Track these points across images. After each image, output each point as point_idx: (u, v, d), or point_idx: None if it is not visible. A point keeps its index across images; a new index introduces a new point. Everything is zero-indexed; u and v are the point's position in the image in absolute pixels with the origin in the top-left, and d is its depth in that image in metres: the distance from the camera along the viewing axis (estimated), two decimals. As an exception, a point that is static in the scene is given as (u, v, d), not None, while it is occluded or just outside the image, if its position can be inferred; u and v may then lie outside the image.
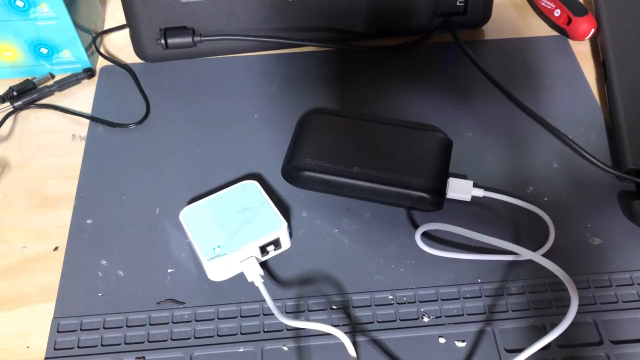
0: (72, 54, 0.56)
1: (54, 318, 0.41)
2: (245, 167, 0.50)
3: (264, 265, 0.43)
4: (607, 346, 0.40)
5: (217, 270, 0.42)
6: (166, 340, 0.40)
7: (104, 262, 0.44)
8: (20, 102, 0.54)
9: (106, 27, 0.62)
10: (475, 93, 0.55)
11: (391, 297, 0.42)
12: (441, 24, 0.58)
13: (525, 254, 0.42)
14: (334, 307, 0.42)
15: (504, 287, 0.42)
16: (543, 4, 0.61)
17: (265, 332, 0.41)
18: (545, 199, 0.47)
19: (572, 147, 0.50)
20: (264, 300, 0.40)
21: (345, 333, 0.39)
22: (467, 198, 0.46)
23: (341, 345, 0.39)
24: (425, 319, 0.41)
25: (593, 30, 0.58)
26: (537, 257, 0.41)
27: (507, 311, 0.41)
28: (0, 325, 0.42)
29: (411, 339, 0.40)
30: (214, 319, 0.41)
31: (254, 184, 0.45)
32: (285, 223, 0.43)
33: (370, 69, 0.57)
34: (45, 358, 0.40)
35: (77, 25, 0.55)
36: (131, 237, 0.46)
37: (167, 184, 0.49)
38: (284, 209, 0.47)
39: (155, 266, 0.44)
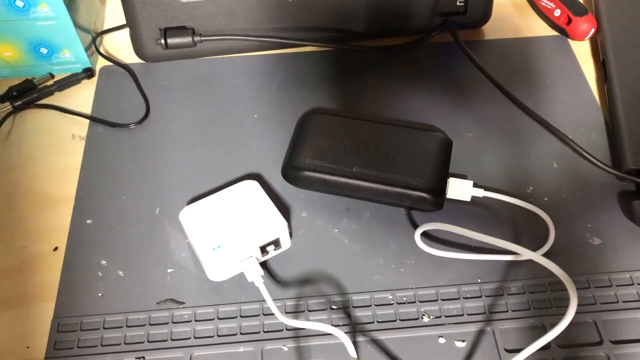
0: (71, 54, 0.56)
1: (54, 318, 0.41)
2: (245, 167, 0.50)
3: (264, 265, 0.43)
4: (607, 346, 0.40)
5: (217, 271, 0.42)
6: (166, 340, 0.40)
7: (104, 262, 0.44)
8: (20, 102, 0.54)
9: (106, 27, 0.62)
10: (475, 93, 0.55)
11: (391, 297, 0.42)
12: (441, 24, 0.58)
13: (525, 254, 0.42)
14: (334, 307, 0.42)
15: (504, 287, 0.42)
16: (543, 4, 0.61)
17: (265, 332, 0.41)
18: (545, 199, 0.47)
19: (572, 147, 0.50)
20: (264, 300, 0.40)
21: (345, 333, 0.39)
22: (467, 198, 0.46)
23: (341, 345, 0.39)
24: (425, 319, 0.41)
25: (593, 30, 0.58)
26: (537, 257, 0.41)
27: (507, 311, 0.41)
28: (0, 325, 0.42)
29: (411, 339, 0.40)
30: (214, 319, 0.41)
31: (254, 184, 0.45)
32: (285, 223, 0.43)
33: (370, 69, 0.57)
34: (45, 358, 0.40)
35: (77, 25, 0.55)
36: (131, 237, 0.46)
37: (167, 184, 0.49)
38: (284, 209, 0.47)
39: (155, 266, 0.44)
